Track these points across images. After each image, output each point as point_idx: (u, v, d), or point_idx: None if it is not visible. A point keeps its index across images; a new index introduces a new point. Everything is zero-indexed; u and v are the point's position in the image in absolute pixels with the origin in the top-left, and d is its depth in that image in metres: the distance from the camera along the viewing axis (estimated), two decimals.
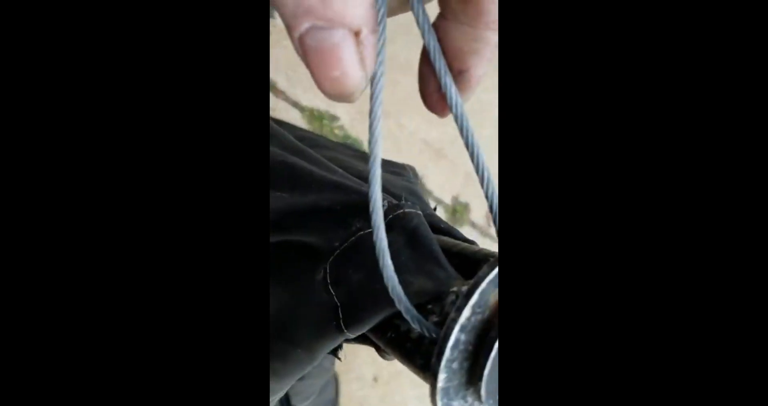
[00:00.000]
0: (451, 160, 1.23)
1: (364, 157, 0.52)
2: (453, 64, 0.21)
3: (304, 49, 0.19)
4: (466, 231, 1.22)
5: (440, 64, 0.21)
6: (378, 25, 0.19)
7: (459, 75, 0.21)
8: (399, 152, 1.20)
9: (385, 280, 0.24)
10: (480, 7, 0.19)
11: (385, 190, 0.38)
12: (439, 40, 0.21)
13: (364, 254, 0.30)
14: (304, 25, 0.18)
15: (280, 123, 0.65)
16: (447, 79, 0.21)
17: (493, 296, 0.21)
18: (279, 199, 0.36)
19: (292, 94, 1.12)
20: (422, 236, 0.28)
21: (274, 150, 0.41)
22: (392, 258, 0.26)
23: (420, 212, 0.30)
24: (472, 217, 1.23)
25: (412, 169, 0.54)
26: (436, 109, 0.23)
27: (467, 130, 0.22)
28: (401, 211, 0.30)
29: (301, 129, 0.63)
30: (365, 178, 0.43)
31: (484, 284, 0.20)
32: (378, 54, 0.20)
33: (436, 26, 0.21)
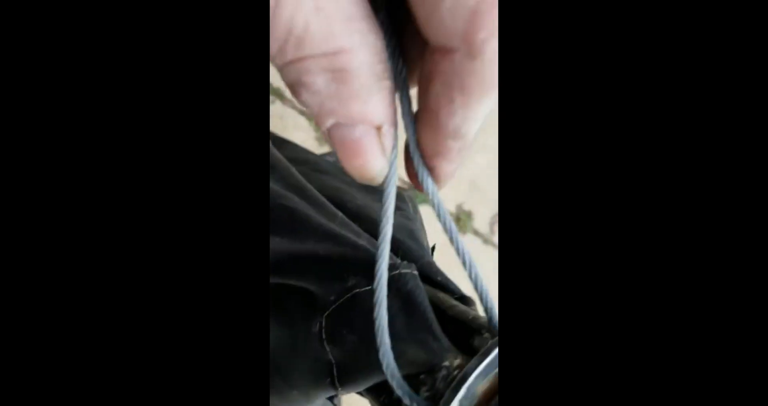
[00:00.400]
0: None
1: (366, 186, 0.52)
2: (425, 160, 0.22)
3: (331, 141, 0.20)
4: (469, 239, 1.22)
5: (416, 157, 0.22)
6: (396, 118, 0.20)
7: (430, 169, 0.22)
8: (402, 161, 1.20)
9: (381, 356, 0.25)
10: (439, 121, 0.20)
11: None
12: (416, 134, 0.21)
13: (358, 313, 0.30)
14: (329, 123, 0.20)
15: (283, 143, 0.65)
16: (422, 172, 0.22)
17: (481, 387, 0.21)
18: (278, 244, 0.37)
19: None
20: (417, 302, 0.28)
21: (274, 188, 0.42)
22: (388, 322, 0.27)
23: (416, 273, 0.30)
24: (476, 225, 1.23)
25: (412, 199, 0.54)
26: (419, 188, 0.24)
27: (444, 218, 0.22)
28: (397, 272, 0.30)
29: (303, 150, 0.63)
30: (365, 216, 0.43)
31: (471, 379, 0.21)
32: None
33: (416, 120, 0.21)
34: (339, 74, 0.18)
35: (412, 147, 0.22)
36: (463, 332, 0.28)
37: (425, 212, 1.18)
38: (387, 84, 0.19)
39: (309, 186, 0.44)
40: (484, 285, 0.24)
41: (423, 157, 0.22)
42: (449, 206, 1.23)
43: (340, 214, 0.40)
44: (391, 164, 0.21)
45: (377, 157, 0.20)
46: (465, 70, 0.18)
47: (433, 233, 1.18)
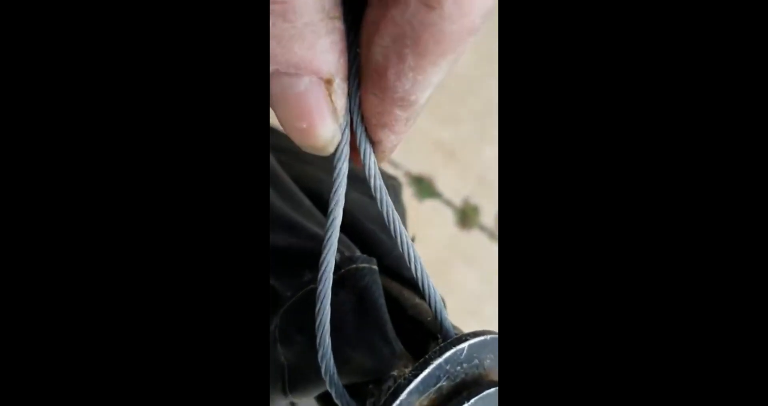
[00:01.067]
0: (462, 162, 1.20)
1: (351, 179, 0.49)
2: (368, 134, 0.19)
3: (270, 95, 0.17)
4: (475, 234, 1.19)
5: (359, 130, 0.18)
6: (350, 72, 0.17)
7: (373, 144, 0.19)
8: (409, 153, 1.17)
9: (319, 358, 0.22)
10: (386, 83, 0.16)
11: (352, 225, 0.35)
12: (360, 107, 0.18)
13: (310, 312, 0.27)
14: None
15: None
16: (365, 147, 0.19)
17: (420, 403, 0.18)
18: None
19: None
20: (371, 300, 0.25)
21: None
22: (338, 322, 0.24)
23: (375, 268, 0.27)
24: (482, 220, 1.20)
25: (395, 189, 0.51)
26: (357, 163, 0.21)
27: (385, 203, 0.19)
28: (353, 266, 0.27)
29: (287, 137, 0.60)
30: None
31: (403, 395, 0.17)
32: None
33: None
34: (278, 6, 0.15)
35: (356, 117, 0.19)
36: (421, 335, 0.24)
37: (429, 206, 1.15)
38: (338, 25, 0.16)
39: (281, 173, 0.41)
40: (432, 286, 0.21)
41: (367, 129, 0.19)
42: (455, 201, 1.19)
43: (307, 202, 0.37)
44: (344, 130, 0.18)
45: (326, 119, 0.17)
46: (420, 21, 0.15)
47: (438, 227, 1.14)
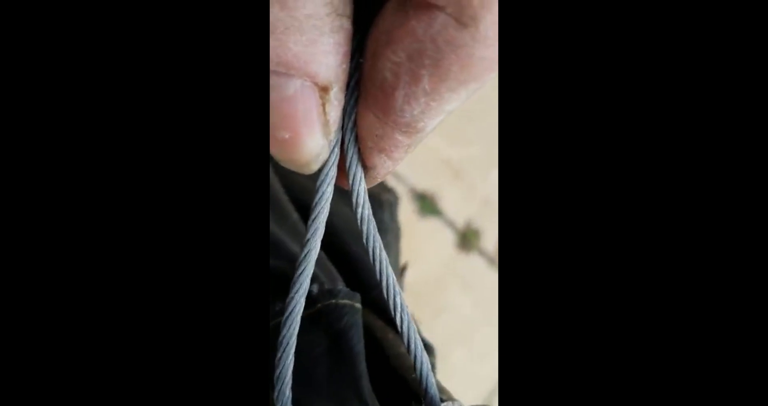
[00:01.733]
0: (468, 183, 1.16)
1: (340, 189, 0.46)
2: (362, 157, 0.16)
3: None
4: (474, 260, 1.15)
5: (351, 151, 0.16)
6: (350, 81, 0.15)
7: (365, 169, 0.16)
8: (414, 167, 1.14)
9: None
10: (392, 105, 0.14)
11: (338, 248, 0.31)
12: (356, 126, 0.15)
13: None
14: None
15: None
16: (356, 171, 0.16)
17: None
18: None
19: None
20: (348, 346, 0.22)
21: None
22: (308, 365, 0.20)
23: (358, 305, 0.24)
24: (483, 244, 1.16)
25: (391, 205, 0.47)
26: (344, 185, 0.18)
27: (372, 238, 0.16)
28: (333, 301, 0.23)
29: None
30: (327, 223, 0.37)
31: None
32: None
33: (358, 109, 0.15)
34: None
35: (349, 136, 0.16)
36: (402, 393, 0.21)
37: (429, 224, 1.11)
38: (346, 25, 0.13)
39: (270, 178, 0.38)
40: (419, 344, 0.17)
41: (360, 151, 0.16)
42: (458, 223, 1.16)
43: (295, 216, 0.33)
44: (333, 148, 0.15)
45: (315, 132, 0.14)
46: (447, 40, 0.12)
47: (436, 246, 1.10)
